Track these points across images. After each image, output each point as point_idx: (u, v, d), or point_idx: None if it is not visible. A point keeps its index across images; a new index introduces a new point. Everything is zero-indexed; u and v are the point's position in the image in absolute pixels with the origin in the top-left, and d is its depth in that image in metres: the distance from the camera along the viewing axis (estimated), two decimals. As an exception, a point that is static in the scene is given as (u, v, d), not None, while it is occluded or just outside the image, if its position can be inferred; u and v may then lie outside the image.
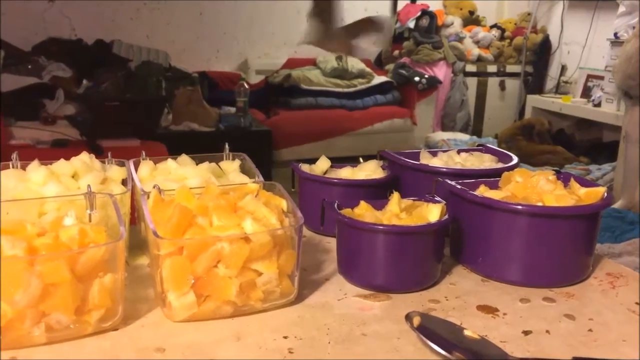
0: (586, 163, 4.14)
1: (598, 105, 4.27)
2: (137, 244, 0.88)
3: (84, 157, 0.88)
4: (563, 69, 5.06)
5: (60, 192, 0.80)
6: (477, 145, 1.09)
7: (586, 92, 4.49)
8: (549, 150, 4.24)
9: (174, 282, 0.69)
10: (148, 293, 0.76)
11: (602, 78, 4.28)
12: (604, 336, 0.68)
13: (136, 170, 0.89)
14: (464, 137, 4.60)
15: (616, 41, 3.97)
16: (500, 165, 0.99)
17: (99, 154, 0.91)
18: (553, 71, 5.16)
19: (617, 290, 0.79)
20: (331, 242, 0.93)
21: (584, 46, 4.80)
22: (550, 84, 5.15)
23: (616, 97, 3.91)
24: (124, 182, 0.87)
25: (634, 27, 3.52)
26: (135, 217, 0.90)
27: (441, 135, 4.60)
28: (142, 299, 0.75)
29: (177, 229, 0.70)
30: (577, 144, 4.52)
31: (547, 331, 0.69)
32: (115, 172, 0.89)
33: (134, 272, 0.82)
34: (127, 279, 0.72)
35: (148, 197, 0.76)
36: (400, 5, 5.17)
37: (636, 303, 0.75)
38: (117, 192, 0.81)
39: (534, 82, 5.17)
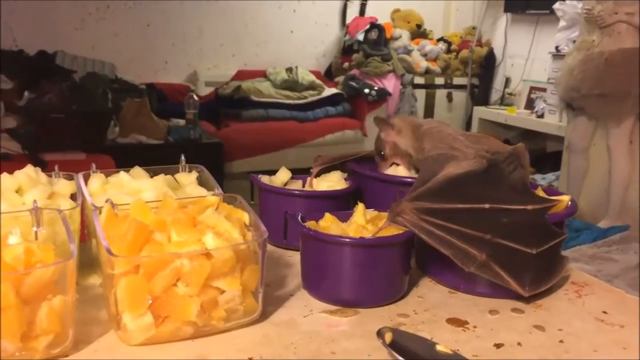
0: (531, 173, 4.25)
1: (541, 116, 4.39)
2: (88, 262, 0.82)
3: (29, 171, 0.83)
4: (507, 81, 5.19)
5: (4, 209, 0.74)
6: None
7: (530, 104, 4.62)
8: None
9: (129, 303, 0.64)
10: (100, 315, 0.71)
11: (544, 90, 4.41)
12: (575, 347, 0.67)
13: (86, 184, 0.84)
14: (414, 148, 4.64)
15: (557, 54, 4.10)
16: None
17: (43, 168, 0.85)
18: (498, 83, 5.28)
19: (583, 299, 0.79)
20: (293, 256, 0.90)
21: (526, 59, 4.94)
22: (495, 95, 5.27)
23: (559, 109, 4.02)
24: (72, 197, 0.82)
25: (574, 41, 3.64)
26: (86, 233, 0.85)
27: (391, 147, 4.63)
28: (94, 322, 0.70)
29: (133, 246, 0.66)
30: (523, 154, 4.63)
31: (519, 343, 0.67)
32: (63, 186, 0.83)
33: (85, 292, 0.77)
34: (77, 300, 0.67)
35: (100, 212, 0.72)
36: (349, 18, 5.22)
37: (603, 312, 0.75)
38: (65, 208, 0.76)
39: (480, 94, 5.28)
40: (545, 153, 4.66)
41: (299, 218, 0.78)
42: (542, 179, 4.07)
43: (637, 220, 3.14)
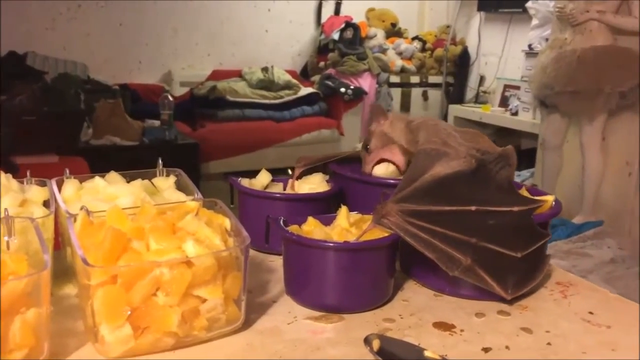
0: (508, 170, 4.28)
1: (515, 114, 4.43)
2: (62, 270, 0.79)
3: (-1, 177, 0.79)
4: (482, 79, 5.23)
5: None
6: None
7: (504, 102, 4.65)
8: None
9: (107, 315, 0.62)
10: (77, 326, 0.69)
11: (518, 88, 4.45)
12: (563, 349, 0.66)
13: (59, 190, 0.81)
14: (391, 147, 4.65)
15: (530, 52, 4.14)
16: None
17: (15, 172, 0.82)
18: (472, 81, 5.32)
19: (569, 299, 0.79)
20: (275, 261, 0.88)
21: (500, 57, 4.98)
22: (470, 94, 5.31)
23: (532, 106, 4.06)
24: (45, 204, 0.79)
25: (547, 39, 3.67)
26: (60, 241, 0.82)
27: (368, 146, 4.63)
28: (70, 334, 0.67)
29: (110, 255, 0.63)
30: (498, 151, 4.67)
31: (507, 347, 0.67)
32: (36, 192, 0.80)
33: (60, 302, 0.74)
34: (52, 312, 0.64)
35: (75, 220, 0.69)
36: (324, 17, 5.20)
37: (589, 312, 0.75)
38: (38, 216, 0.73)
39: (455, 92, 5.32)
40: (520, 150, 4.70)
41: (281, 222, 0.76)
42: (517, 176, 4.10)
43: (611, 215, 3.19)
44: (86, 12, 4.30)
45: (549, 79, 3.15)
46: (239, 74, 4.65)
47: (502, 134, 4.72)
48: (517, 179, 3.87)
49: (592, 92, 3.03)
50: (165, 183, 0.87)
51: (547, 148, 3.44)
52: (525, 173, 4.13)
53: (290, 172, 0.98)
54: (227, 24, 4.84)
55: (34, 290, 0.59)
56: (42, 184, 0.83)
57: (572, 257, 2.88)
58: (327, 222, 0.79)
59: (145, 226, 0.66)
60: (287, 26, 5.09)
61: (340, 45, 4.97)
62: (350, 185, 0.93)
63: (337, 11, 5.28)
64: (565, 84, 3.08)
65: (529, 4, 4.16)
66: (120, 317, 0.62)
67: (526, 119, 4.28)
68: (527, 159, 4.23)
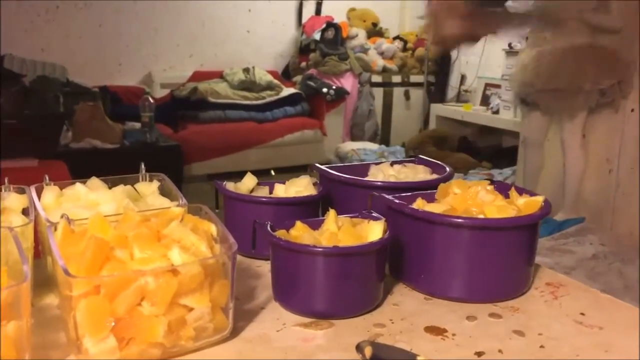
0: (488, 168, 4.31)
1: (497, 112, 4.45)
2: (43, 280, 0.77)
3: (-24, 185, 0.77)
4: (463, 78, 5.24)
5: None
6: (410, 156, 1.07)
7: (485, 100, 4.67)
8: (453, 156, 4.39)
9: (90, 326, 0.60)
10: (59, 338, 0.67)
11: (499, 87, 4.47)
12: (556, 351, 0.66)
13: (39, 197, 0.78)
14: (373, 146, 4.66)
15: (510, 51, 4.16)
16: (435, 176, 0.96)
17: (-6, 178, 0.80)
18: (454, 81, 5.34)
19: (559, 300, 0.78)
20: (262, 266, 0.87)
21: (481, 56, 5.00)
22: (451, 93, 5.32)
23: (513, 105, 4.08)
24: (24, 212, 0.77)
25: (527, 38, 3.69)
26: (40, 250, 0.79)
27: (351, 145, 4.63)
28: (53, 346, 0.65)
29: (92, 265, 0.61)
30: (480, 150, 4.70)
31: (500, 350, 0.66)
32: (14, 200, 0.78)
33: (41, 313, 0.72)
34: (33, 324, 0.62)
35: (55, 229, 0.67)
36: (305, 18, 5.19)
37: (581, 313, 0.74)
38: (17, 224, 0.71)
39: (437, 92, 5.33)
40: (502, 148, 4.73)
41: (269, 227, 0.75)
42: (499, 174, 4.13)
43: (592, 212, 3.21)
44: (65, 14, 4.25)
45: (530, 77, 3.16)
46: (220, 75, 4.63)
47: (484, 132, 4.74)
48: (499, 177, 3.91)
49: (573, 90, 3.05)
50: (149, 188, 0.85)
51: (528, 146, 3.46)
52: (507, 171, 4.16)
53: (273, 173, 0.97)
54: (208, 25, 4.81)
55: (13, 303, 0.57)
56: (21, 191, 0.80)
57: (556, 254, 2.89)
58: (315, 226, 0.77)
59: (129, 234, 0.65)
60: (268, 27, 5.07)
61: (322, 46, 4.97)
62: (337, 189, 0.92)
63: (318, 11, 5.28)
64: (546, 82, 3.10)
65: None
66: (104, 329, 0.60)
67: (507, 117, 4.30)
68: (509, 157, 4.26)
